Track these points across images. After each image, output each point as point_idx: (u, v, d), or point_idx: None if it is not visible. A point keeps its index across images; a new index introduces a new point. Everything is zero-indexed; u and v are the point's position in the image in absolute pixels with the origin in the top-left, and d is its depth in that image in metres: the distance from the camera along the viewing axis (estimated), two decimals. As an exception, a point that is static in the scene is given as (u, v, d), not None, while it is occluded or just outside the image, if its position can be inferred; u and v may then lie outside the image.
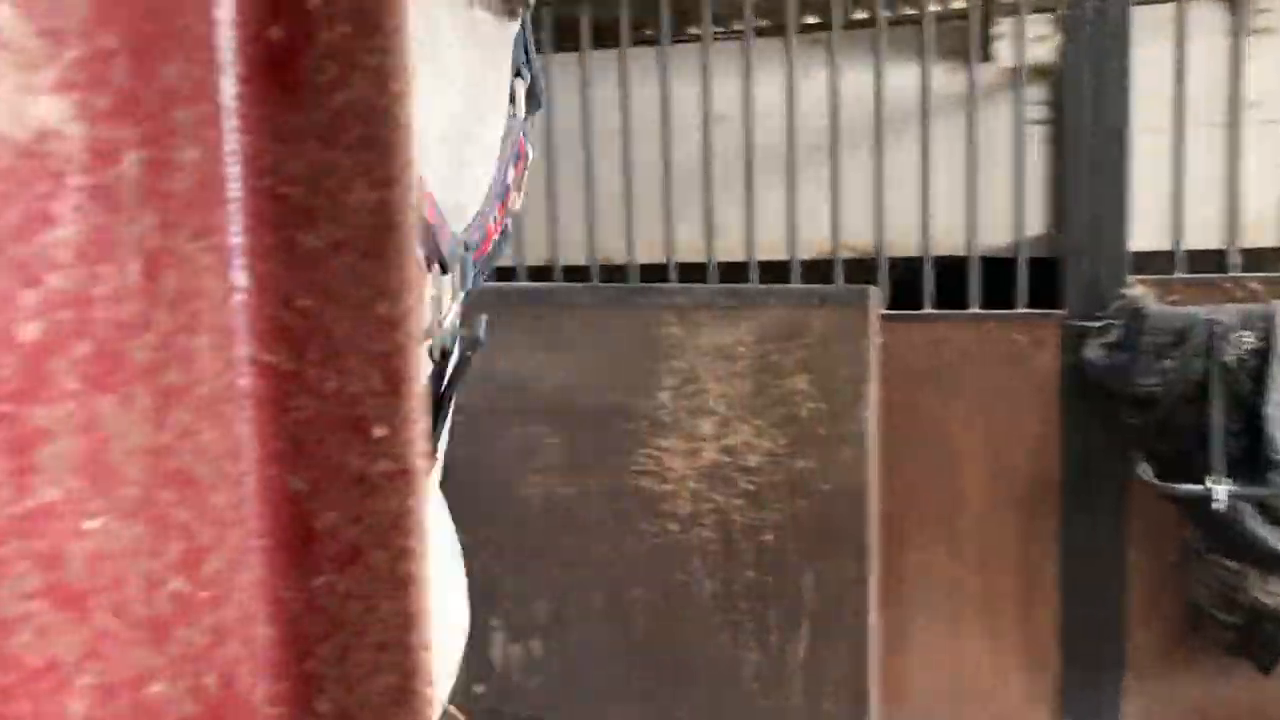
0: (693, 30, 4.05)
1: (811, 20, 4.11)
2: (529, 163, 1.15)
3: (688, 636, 3.92)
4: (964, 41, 3.74)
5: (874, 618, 3.79)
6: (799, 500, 3.77)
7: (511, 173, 1.07)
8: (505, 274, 4.09)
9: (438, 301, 0.90)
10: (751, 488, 3.80)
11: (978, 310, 3.75)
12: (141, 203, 0.39)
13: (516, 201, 1.10)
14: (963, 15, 3.77)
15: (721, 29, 4.09)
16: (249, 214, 0.43)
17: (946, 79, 3.80)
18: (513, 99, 1.13)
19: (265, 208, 0.44)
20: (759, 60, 3.87)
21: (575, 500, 3.97)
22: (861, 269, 3.89)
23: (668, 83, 3.93)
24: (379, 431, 0.45)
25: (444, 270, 0.90)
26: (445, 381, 0.97)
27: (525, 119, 1.15)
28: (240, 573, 0.45)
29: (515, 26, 1.06)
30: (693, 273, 4.02)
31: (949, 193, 3.75)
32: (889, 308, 3.76)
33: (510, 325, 3.99)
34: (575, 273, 4.13)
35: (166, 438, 0.41)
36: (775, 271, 3.93)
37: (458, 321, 0.98)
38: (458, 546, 1.90)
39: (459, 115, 0.96)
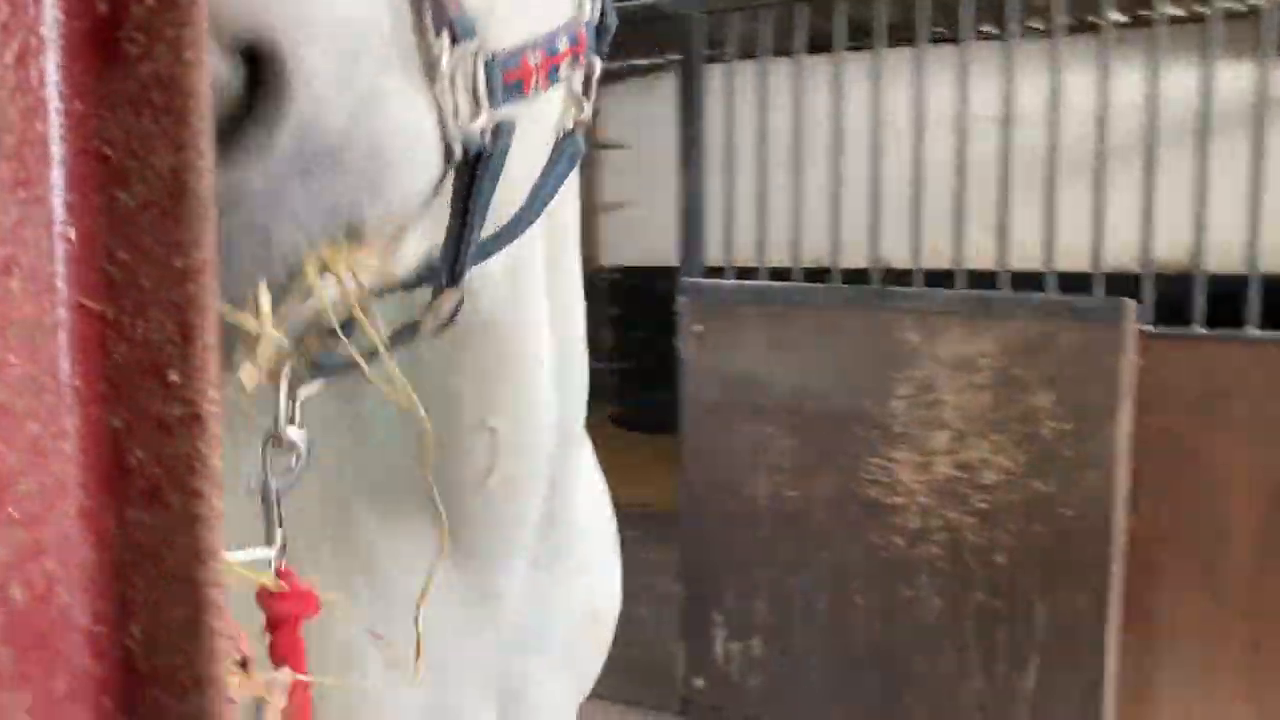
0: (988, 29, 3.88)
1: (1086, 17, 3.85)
2: (588, 66, 1.17)
3: (910, 653, 3.79)
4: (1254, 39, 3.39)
5: (1112, 660, 3.52)
6: (1036, 524, 3.55)
7: (565, 44, 1.06)
8: (747, 273, 4.10)
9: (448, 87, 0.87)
10: (985, 507, 3.62)
11: (1256, 332, 3.39)
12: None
13: (564, 77, 1.09)
14: (1254, 11, 3.42)
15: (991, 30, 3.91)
16: (73, 173, 0.48)
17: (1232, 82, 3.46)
18: None
19: (90, 168, 0.48)
20: (1032, 61, 3.66)
21: (801, 503, 3.93)
22: (1124, 283, 3.61)
23: (966, 83, 3.74)
24: (174, 377, 0.48)
25: (454, 40, 0.86)
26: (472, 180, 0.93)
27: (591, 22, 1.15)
28: (58, 498, 0.49)
29: None
30: (941, 280, 3.87)
31: (1228, 204, 3.41)
32: (1152, 325, 3.48)
33: (744, 322, 4.01)
34: (817, 276, 4.07)
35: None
36: (1029, 283, 3.72)
37: (487, 128, 0.94)
38: (614, 532, 1.94)
39: None
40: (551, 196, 1.17)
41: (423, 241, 0.94)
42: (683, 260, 4.28)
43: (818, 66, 3.98)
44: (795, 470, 3.95)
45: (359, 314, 0.84)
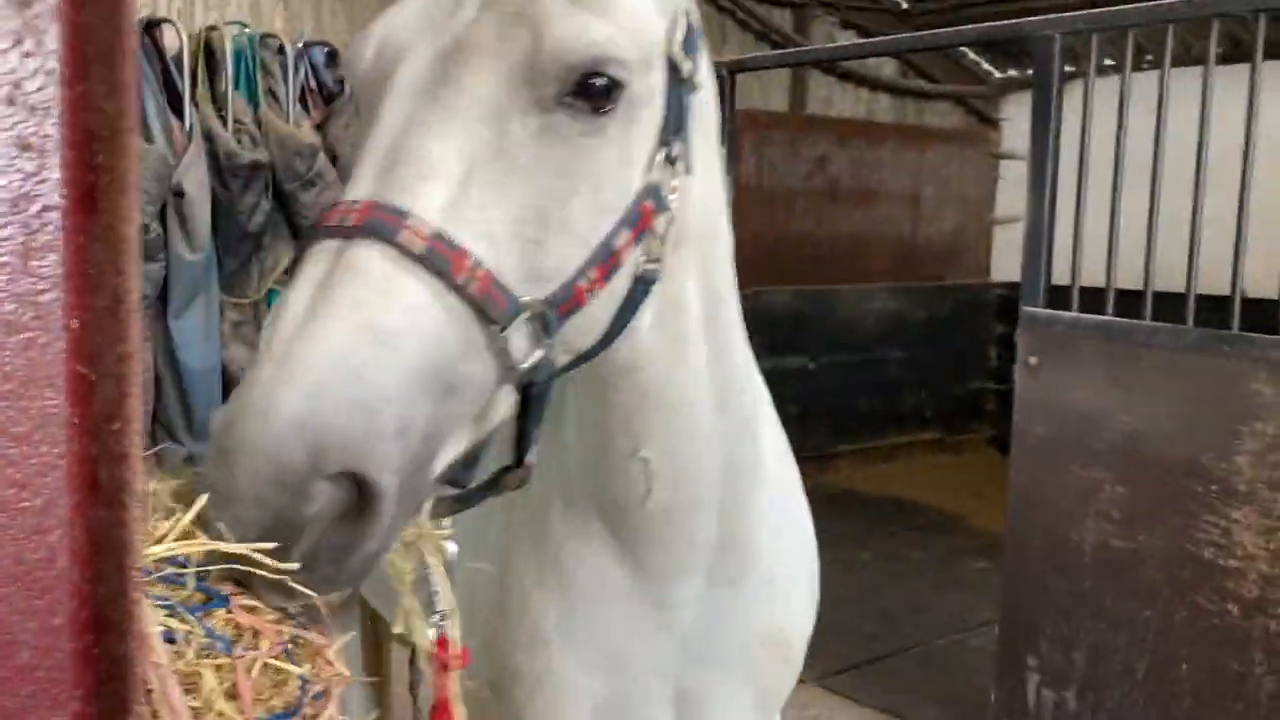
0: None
1: None
2: (668, 218, 1.33)
3: (1239, 735, 3.44)
4: None
5: None
6: (1401, 613, 3.11)
7: (625, 236, 1.25)
8: (1094, 294, 3.87)
9: (507, 354, 1.15)
10: (1338, 585, 3.22)
11: None
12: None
13: (632, 257, 1.29)
14: None
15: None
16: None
17: None
18: (671, 160, 1.28)
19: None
20: None
21: (1129, 556, 3.68)
22: None
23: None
24: (115, 427, 0.69)
25: (501, 328, 1.13)
26: (523, 406, 1.18)
27: (662, 186, 1.29)
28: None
29: (618, 121, 1.25)
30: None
31: None
32: None
33: (1082, 357, 3.81)
34: (1169, 301, 3.76)
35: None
36: None
37: (545, 368, 1.21)
38: (810, 558, 2.02)
39: (530, 204, 1.17)
40: (628, 322, 1.36)
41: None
42: (1024, 283, 4.14)
43: (1183, 82, 3.69)
44: (1124, 520, 3.70)
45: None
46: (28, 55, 0.64)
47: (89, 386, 0.69)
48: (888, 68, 9.32)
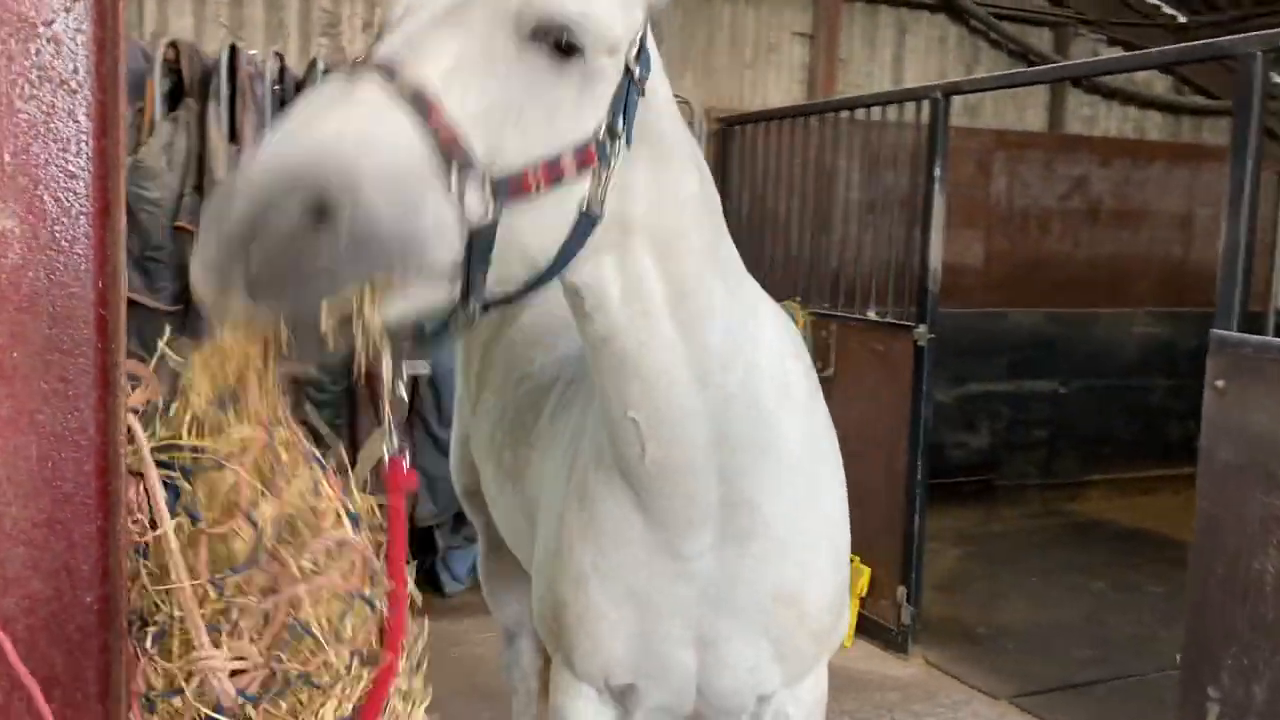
0: None
1: None
2: (606, 171, 1.63)
3: None
4: None
5: None
6: None
7: (568, 158, 1.57)
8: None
9: (461, 196, 1.44)
10: None
11: None
12: None
13: (574, 182, 1.60)
14: None
15: None
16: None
17: None
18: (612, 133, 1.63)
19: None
20: None
21: (1310, 587, 3.54)
22: None
23: None
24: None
25: (459, 170, 1.43)
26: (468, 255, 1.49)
27: (603, 144, 1.62)
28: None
29: (576, 78, 1.57)
30: None
31: None
32: None
33: (1271, 382, 3.69)
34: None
35: None
36: None
37: (485, 229, 1.49)
38: (828, 535, 2.26)
39: (499, 102, 1.50)
40: (574, 252, 1.67)
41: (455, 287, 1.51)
42: (1219, 305, 4.05)
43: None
44: (1307, 550, 3.57)
45: (371, 322, 1.43)
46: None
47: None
48: (1159, 84, 8.93)
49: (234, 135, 5.21)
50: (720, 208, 2.06)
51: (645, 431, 1.95)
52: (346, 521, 1.55)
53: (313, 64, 5.40)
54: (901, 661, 5.61)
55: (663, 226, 1.82)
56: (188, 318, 5.12)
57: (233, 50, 5.23)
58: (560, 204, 1.61)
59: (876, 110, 5.95)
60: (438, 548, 5.97)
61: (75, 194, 1.12)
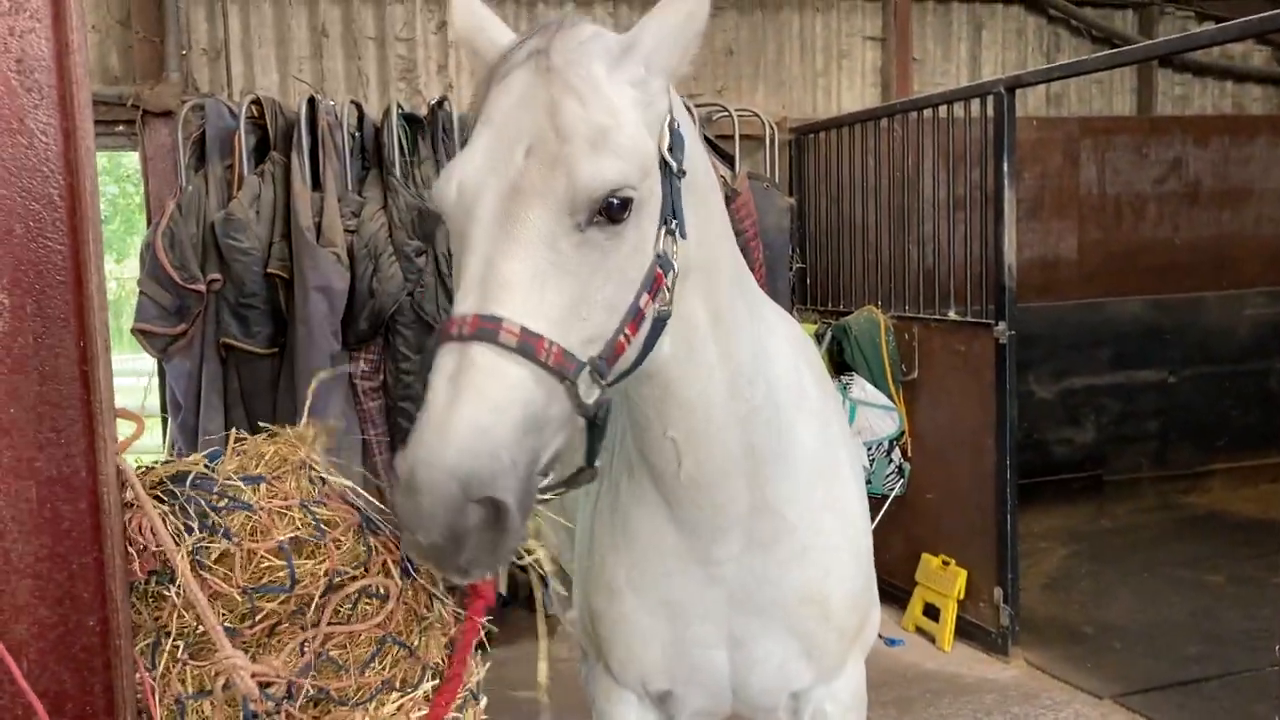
0: None
1: None
2: (674, 274, 1.79)
3: None
4: None
5: None
6: None
7: (645, 298, 1.73)
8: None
9: (577, 397, 1.64)
10: None
11: None
12: None
13: (651, 309, 1.76)
14: None
15: None
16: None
17: None
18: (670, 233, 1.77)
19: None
20: None
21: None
22: None
23: None
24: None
25: (571, 381, 1.63)
26: (590, 427, 1.71)
27: (665, 255, 1.76)
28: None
29: (631, 222, 1.69)
30: None
31: None
32: None
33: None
34: None
35: None
36: None
37: (602, 400, 1.70)
38: (851, 540, 2.32)
39: (579, 295, 1.65)
40: (654, 346, 1.84)
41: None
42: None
43: None
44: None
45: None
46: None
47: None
48: (1257, 56, 8.61)
49: (318, 183, 5.49)
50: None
51: (683, 448, 2.07)
52: (395, 573, 1.69)
53: (387, 111, 5.65)
54: (1001, 663, 5.53)
55: (706, 262, 1.94)
56: (282, 360, 5.41)
57: (312, 102, 5.51)
58: (642, 333, 1.78)
59: (946, 109, 5.91)
60: (534, 568, 6.14)
61: (54, 266, 1.28)
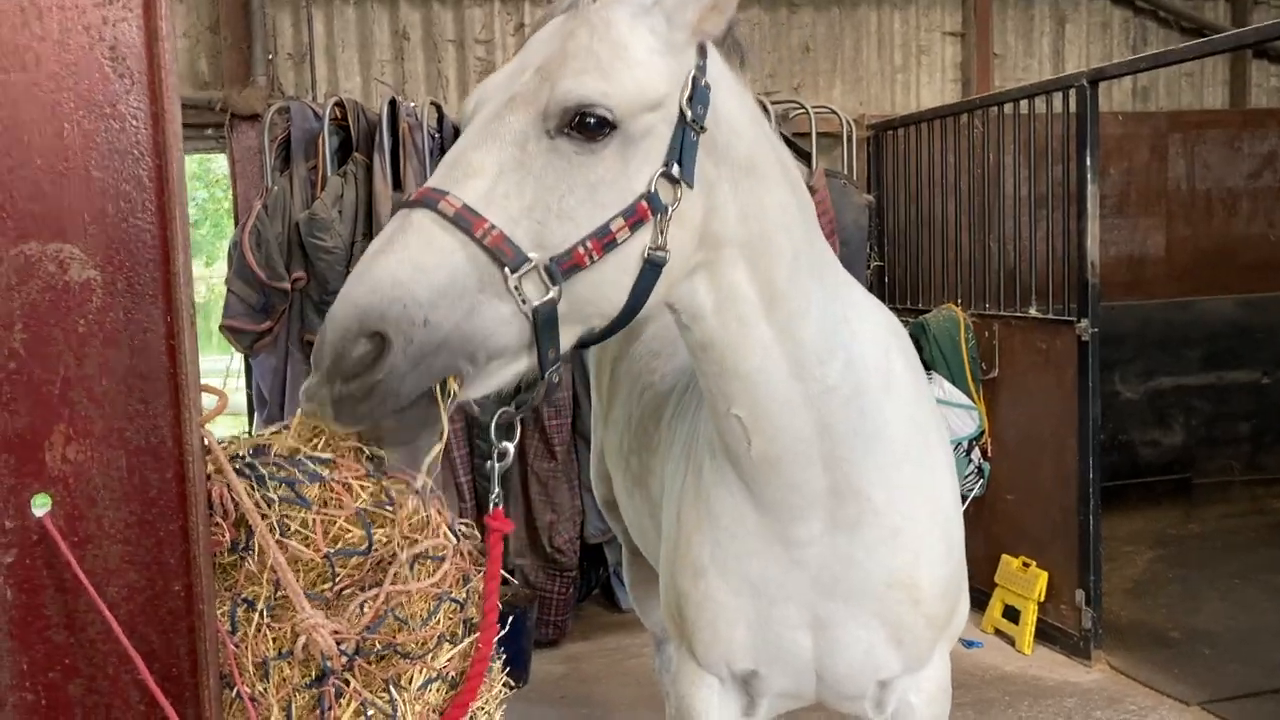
0: None
1: None
2: (664, 218, 1.77)
3: None
4: None
5: None
6: None
7: (620, 224, 1.72)
8: None
9: (518, 288, 1.65)
10: None
11: None
12: None
13: (631, 241, 1.75)
14: None
15: None
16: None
17: None
18: (671, 179, 1.77)
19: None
20: None
21: None
22: None
23: None
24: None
25: (512, 270, 1.64)
26: (535, 335, 1.69)
27: (655, 195, 1.75)
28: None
29: (614, 147, 1.71)
30: None
31: None
32: None
33: None
34: None
35: None
36: None
37: (549, 300, 1.69)
38: (940, 523, 2.29)
39: (539, 199, 1.68)
40: (647, 294, 1.81)
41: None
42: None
43: None
44: None
45: (441, 407, 1.66)
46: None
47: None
48: (1358, 45, 8.32)
49: (399, 183, 5.60)
50: (814, 214, 2.16)
51: (749, 426, 2.08)
52: (450, 536, 1.74)
53: (467, 110, 5.72)
54: (1084, 667, 5.42)
55: (752, 238, 1.95)
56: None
57: (393, 104, 5.62)
58: (620, 262, 1.77)
59: (1027, 104, 5.82)
60: (609, 562, 6.18)
61: (143, 244, 1.33)
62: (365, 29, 6.53)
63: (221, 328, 5.59)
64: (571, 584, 5.98)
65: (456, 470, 5.66)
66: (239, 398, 6.24)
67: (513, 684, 1.93)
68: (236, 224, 5.94)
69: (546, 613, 5.89)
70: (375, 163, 5.56)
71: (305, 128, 5.69)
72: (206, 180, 17.59)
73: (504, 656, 1.86)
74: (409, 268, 1.61)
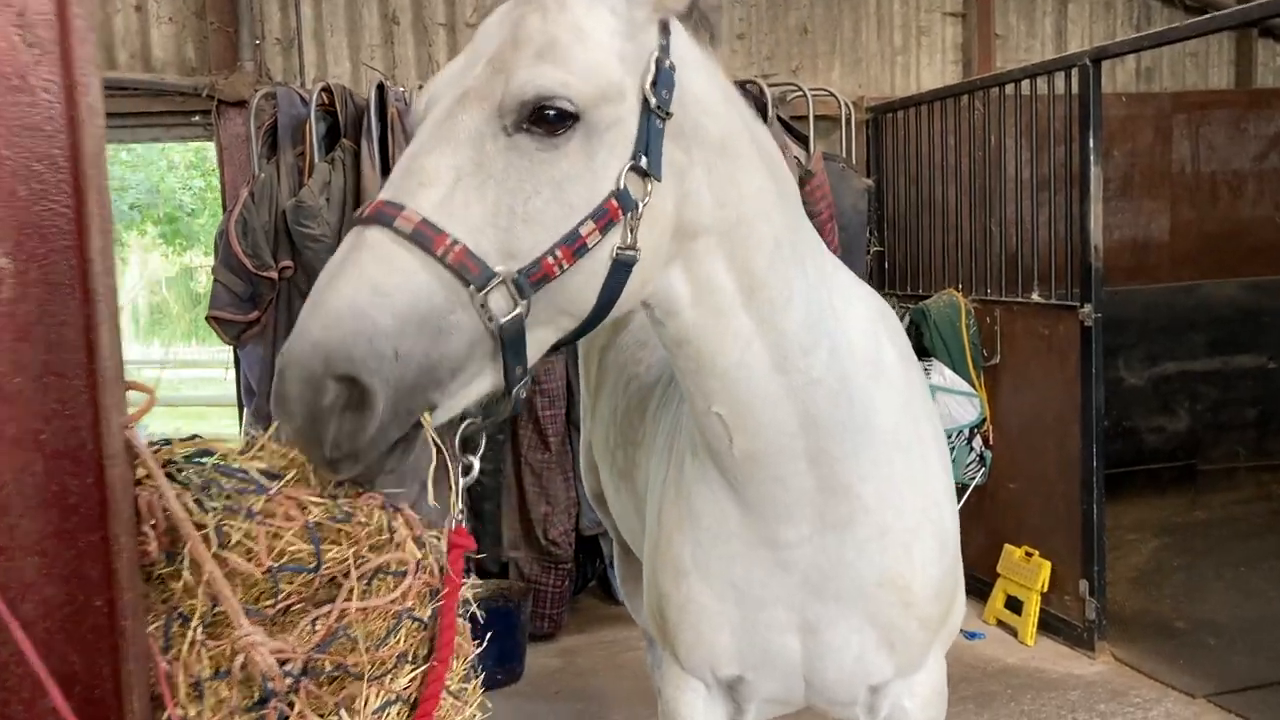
0: None
1: None
2: (636, 216, 1.65)
3: None
4: None
5: None
6: None
7: (589, 227, 1.59)
8: None
9: (484, 306, 1.53)
10: None
11: None
12: None
13: (600, 243, 1.62)
14: None
15: None
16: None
17: None
18: (640, 172, 1.64)
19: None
20: None
21: None
22: None
23: None
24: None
25: (478, 288, 1.52)
26: (504, 350, 1.58)
27: (625, 191, 1.63)
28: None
29: (576, 140, 1.58)
30: None
31: None
32: None
33: None
34: None
35: None
36: None
37: (518, 315, 1.57)
38: (932, 521, 2.18)
39: (502, 203, 1.54)
40: (617, 294, 1.69)
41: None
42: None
43: None
44: None
45: (429, 429, 1.56)
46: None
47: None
48: (1366, 23, 8.17)
49: (387, 169, 5.48)
50: (797, 197, 2.03)
51: (731, 423, 1.96)
52: (415, 550, 1.62)
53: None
54: (1087, 659, 5.32)
55: (729, 224, 1.83)
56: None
57: (381, 88, 5.50)
58: (590, 266, 1.65)
59: (1029, 84, 5.68)
60: (604, 555, 6.08)
61: (57, 229, 1.23)
62: (354, 13, 6.40)
63: (208, 319, 5.49)
64: (567, 577, 5.89)
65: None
66: (229, 390, 6.14)
67: (491, 698, 1.81)
68: (225, 212, 5.83)
69: (541, 606, 5.79)
70: (363, 149, 5.44)
71: (292, 113, 5.57)
72: (203, 168, 17.46)
73: (486, 664, 1.74)
74: (368, 293, 1.48)
